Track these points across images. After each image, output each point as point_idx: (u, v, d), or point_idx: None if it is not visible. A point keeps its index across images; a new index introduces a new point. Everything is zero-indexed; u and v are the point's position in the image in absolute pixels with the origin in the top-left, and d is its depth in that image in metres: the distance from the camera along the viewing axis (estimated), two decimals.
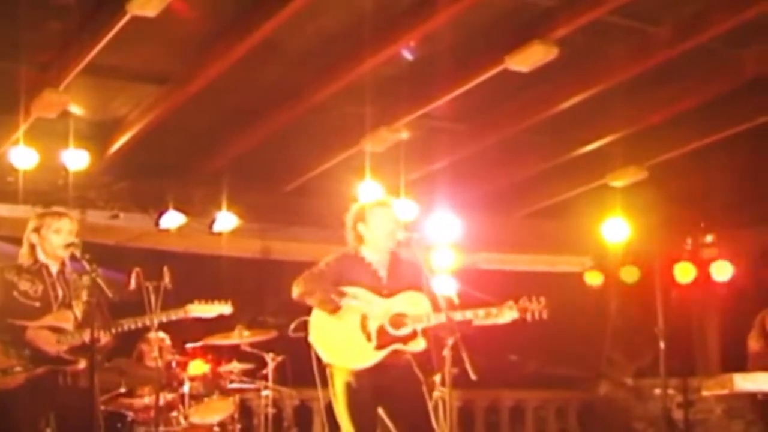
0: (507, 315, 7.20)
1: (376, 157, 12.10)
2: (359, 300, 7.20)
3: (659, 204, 14.00)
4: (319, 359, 7.35)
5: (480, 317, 7.18)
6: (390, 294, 7.29)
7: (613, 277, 14.98)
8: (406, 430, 7.20)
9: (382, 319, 7.22)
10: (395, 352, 7.18)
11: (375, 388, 7.18)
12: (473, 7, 9.06)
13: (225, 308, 7.75)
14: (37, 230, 7.24)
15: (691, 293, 14.75)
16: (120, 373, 9.58)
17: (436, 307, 7.09)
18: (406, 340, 7.23)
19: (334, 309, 7.19)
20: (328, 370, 7.38)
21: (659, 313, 13.16)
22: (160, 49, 10.08)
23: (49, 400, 7.03)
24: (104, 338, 7.13)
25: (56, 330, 7.02)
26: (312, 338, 7.36)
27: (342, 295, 7.19)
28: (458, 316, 7.10)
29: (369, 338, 7.20)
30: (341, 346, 7.28)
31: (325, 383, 7.41)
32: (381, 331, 7.21)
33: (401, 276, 7.34)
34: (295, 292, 7.37)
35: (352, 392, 7.21)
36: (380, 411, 7.25)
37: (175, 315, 7.53)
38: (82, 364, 7.06)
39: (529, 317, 7.20)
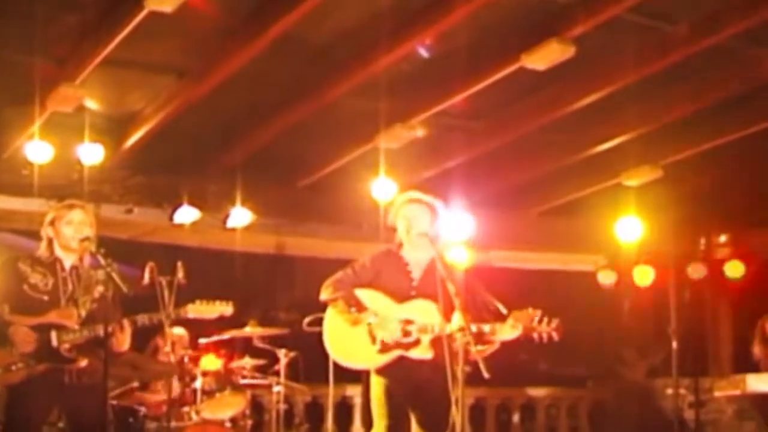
0: (511, 333, 7.18)
1: (391, 154, 12.10)
2: (375, 311, 7.23)
3: (673, 203, 13.99)
4: None
5: (486, 332, 7.16)
6: (404, 300, 7.28)
7: (626, 276, 14.96)
8: (428, 423, 7.23)
9: (390, 324, 7.23)
10: (402, 357, 7.19)
11: (408, 386, 7.21)
12: (489, 5, 9.03)
13: (226, 309, 7.44)
14: (52, 223, 7.18)
15: (704, 293, 14.72)
16: (133, 368, 9.57)
17: (449, 312, 7.03)
18: (408, 347, 7.22)
19: (354, 322, 7.22)
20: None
21: (672, 312, 13.14)
22: (176, 45, 10.09)
23: (55, 396, 6.98)
24: (121, 341, 7.10)
25: (58, 327, 6.95)
26: (324, 334, 7.40)
27: (361, 309, 7.22)
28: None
29: (373, 341, 7.21)
30: (348, 345, 7.33)
31: (345, 379, 7.45)
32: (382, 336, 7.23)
33: (435, 280, 7.19)
34: (323, 295, 7.41)
35: (385, 386, 7.27)
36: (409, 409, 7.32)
37: (175, 315, 7.38)
38: (84, 363, 6.99)
39: (536, 337, 7.18)
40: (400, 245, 7.52)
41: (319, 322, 7.56)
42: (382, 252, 7.61)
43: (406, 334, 7.18)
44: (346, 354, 7.39)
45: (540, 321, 7.14)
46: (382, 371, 7.30)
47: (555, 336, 7.15)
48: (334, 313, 7.38)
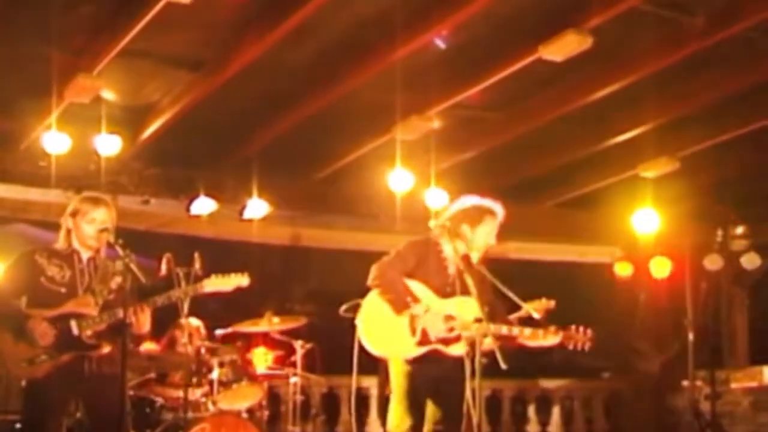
0: (551, 340, 7.28)
1: (407, 146, 12.09)
2: (427, 306, 7.25)
3: (690, 195, 13.97)
4: (361, 346, 7.39)
5: (525, 336, 7.24)
6: (447, 295, 7.31)
7: (643, 267, 14.96)
8: (446, 416, 7.28)
9: (432, 318, 7.25)
10: (436, 351, 7.21)
11: (427, 377, 7.27)
12: None
13: (242, 280, 7.39)
14: (73, 215, 7.15)
15: (721, 285, 14.69)
16: (149, 359, 9.60)
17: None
18: (448, 342, 7.24)
19: (402, 311, 7.23)
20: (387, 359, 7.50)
21: (688, 304, 13.13)
22: (193, 35, 10.07)
23: (74, 386, 6.98)
24: (142, 323, 7.08)
25: (77, 316, 6.94)
26: (359, 321, 7.39)
27: (416, 301, 7.24)
28: (504, 330, 7.15)
29: (413, 333, 7.23)
30: (385, 334, 7.33)
31: (361, 370, 7.47)
32: (425, 329, 7.24)
33: (464, 277, 7.25)
34: (374, 281, 7.37)
35: (410, 380, 7.30)
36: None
37: (192, 291, 7.39)
38: (106, 349, 6.99)
39: (571, 346, 7.28)
40: (439, 238, 7.55)
41: (355, 309, 7.55)
42: (421, 241, 7.64)
43: (450, 330, 7.24)
44: (380, 342, 7.36)
45: (577, 330, 7.26)
46: (407, 362, 7.32)
47: (587, 346, 7.29)
48: (377, 299, 7.39)
